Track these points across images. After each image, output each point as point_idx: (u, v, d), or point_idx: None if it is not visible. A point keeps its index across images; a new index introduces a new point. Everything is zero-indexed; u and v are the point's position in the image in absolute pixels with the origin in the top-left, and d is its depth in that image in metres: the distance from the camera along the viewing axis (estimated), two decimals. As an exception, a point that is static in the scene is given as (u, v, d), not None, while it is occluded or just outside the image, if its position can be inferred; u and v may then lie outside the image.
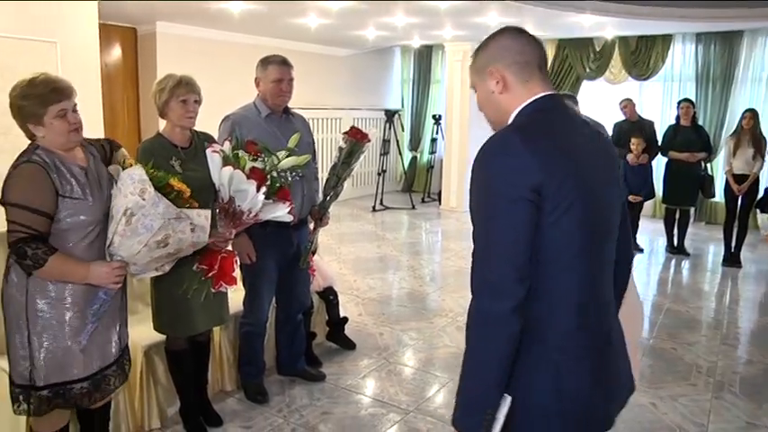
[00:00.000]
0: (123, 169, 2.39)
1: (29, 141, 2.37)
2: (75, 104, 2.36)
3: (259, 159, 2.90)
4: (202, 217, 2.42)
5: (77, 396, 2.41)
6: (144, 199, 2.25)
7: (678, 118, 7.21)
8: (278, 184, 2.94)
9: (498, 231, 1.45)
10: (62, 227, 2.29)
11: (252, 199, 2.80)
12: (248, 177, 2.77)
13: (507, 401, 1.48)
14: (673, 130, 7.22)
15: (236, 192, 2.81)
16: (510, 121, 1.58)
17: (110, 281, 2.34)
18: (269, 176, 2.88)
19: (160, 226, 2.29)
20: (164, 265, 2.53)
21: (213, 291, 2.96)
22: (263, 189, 2.82)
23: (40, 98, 2.25)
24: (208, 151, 2.89)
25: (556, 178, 1.43)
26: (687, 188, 7.15)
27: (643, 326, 2.14)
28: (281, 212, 2.97)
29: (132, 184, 2.27)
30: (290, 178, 3.03)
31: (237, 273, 3.08)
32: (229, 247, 3.04)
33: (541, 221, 1.44)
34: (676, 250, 7.33)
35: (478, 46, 1.70)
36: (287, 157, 2.99)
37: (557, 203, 1.43)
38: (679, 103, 7.30)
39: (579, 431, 1.55)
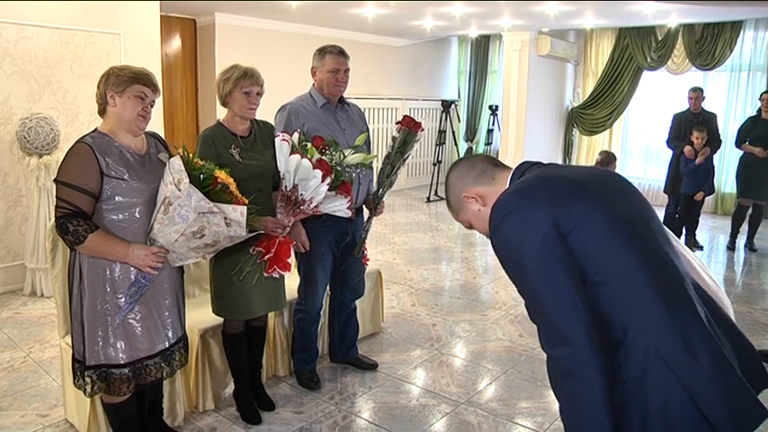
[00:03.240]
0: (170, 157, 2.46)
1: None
2: (154, 102, 2.52)
3: (326, 153, 2.95)
4: (238, 212, 2.42)
5: (117, 381, 2.49)
6: (180, 189, 2.29)
7: (760, 110, 6.92)
8: (342, 179, 2.98)
9: (540, 280, 1.48)
10: (104, 206, 2.40)
11: (315, 188, 2.85)
12: (314, 167, 2.82)
13: None
14: (751, 123, 6.94)
15: (301, 180, 2.86)
16: None
17: (146, 263, 2.41)
18: (334, 169, 2.92)
19: (195, 218, 2.32)
20: (204, 254, 2.57)
21: (265, 275, 3.01)
22: (328, 180, 2.86)
23: (134, 75, 2.44)
24: (277, 139, 2.96)
25: (561, 205, 1.49)
26: (763, 181, 6.82)
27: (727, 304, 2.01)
28: (340, 206, 3.02)
29: (171, 174, 2.32)
30: (354, 174, 3.07)
31: (292, 260, 3.12)
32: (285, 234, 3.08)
33: (571, 246, 1.46)
34: (748, 247, 7.08)
35: (446, 198, 1.85)
36: (353, 153, 3.03)
37: (573, 223, 1.46)
38: (761, 94, 6.99)
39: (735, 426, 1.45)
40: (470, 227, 1.82)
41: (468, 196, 1.74)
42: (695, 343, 1.44)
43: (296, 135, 2.99)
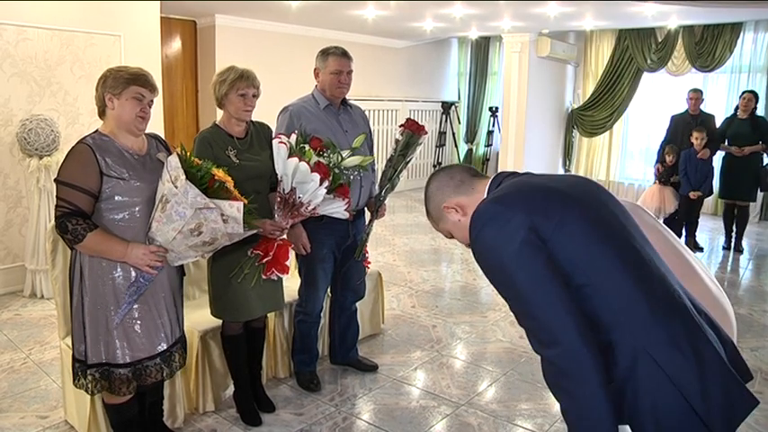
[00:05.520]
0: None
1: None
2: (152, 102, 2.53)
3: (323, 155, 2.94)
4: (234, 208, 2.42)
5: (118, 381, 2.50)
6: (176, 187, 2.30)
7: (737, 109, 6.96)
8: (340, 181, 2.97)
9: (523, 284, 1.49)
10: (104, 205, 2.41)
11: (313, 192, 2.85)
12: (312, 171, 2.81)
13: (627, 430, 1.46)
14: (727, 123, 7.02)
15: (299, 183, 2.85)
16: None
17: (145, 262, 2.42)
18: (332, 172, 2.91)
19: (192, 214, 2.32)
20: (203, 253, 2.57)
21: (264, 277, 3.01)
22: (326, 183, 2.85)
23: (130, 76, 2.45)
24: (274, 142, 2.95)
25: (539, 211, 1.51)
26: (743, 182, 6.85)
27: (733, 324, 2.03)
28: (338, 208, 3.01)
29: (168, 172, 2.34)
30: (351, 177, 3.07)
31: (290, 262, 3.12)
32: (284, 236, 3.08)
33: (552, 250, 1.48)
34: (733, 248, 7.09)
35: (426, 207, 1.89)
36: (351, 155, 3.03)
37: (552, 228, 1.49)
38: (742, 93, 7.04)
39: (725, 416, 1.45)
40: (450, 236, 1.86)
41: (449, 207, 1.77)
42: (681, 339, 1.45)
43: (293, 137, 2.99)
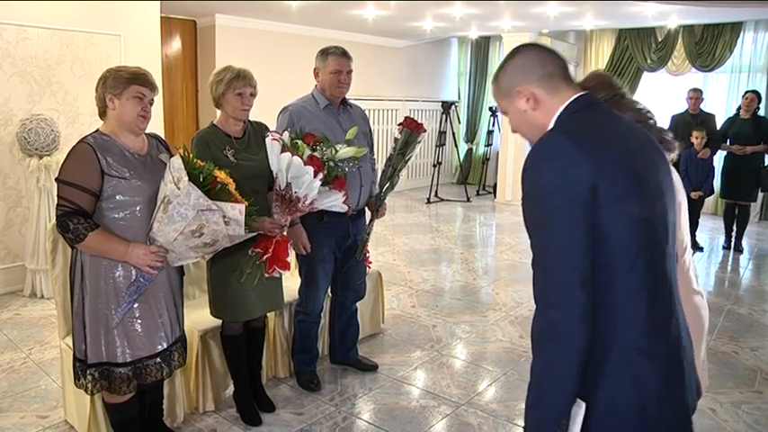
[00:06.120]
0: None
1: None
2: (153, 101, 2.54)
3: (317, 149, 2.94)
4: (236, 210, 2.43)
5: (118, 380, 2.51)
6: (179, 188, 2.31)
7: (739, 108, 6.97)
8: (335, 174, 2.97)
9: (557, 235, 1.41)
10: (105, 204, 2.42)
11: (308, 185, 2.84)
12: (305, 164, 2.81)
13: (582, 408, 1.44)
14: (729, 123, 7.02)
15: (294, 178, 2.85)
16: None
17: (145, 263, 2.42)
18: (326, 165, 2.91)
19: (194, 216, 2.33)
20: (203, 254, 2.57)
21: (266, 275, 3.01)
22: (320, 175, 2.85)
23: (131, 76, 2.46)
24: (267, 139, 2.94)
25: (608, 173, 1.40)
26: (744, 182, 6.86)
27: (705, 327, 2.07)
28: (336, 201, 3.00)
29: (171, 173, 2.34)
30: (347, 169, 3.06)
31: (291, 258, 3.11)
32: (283, 233, 3.08)
33: (597, 219, 1.39)
34: (733, 247, 7.09)
35: (497, 71, 1.67)
36: (346, 147, 3.02)
37: (611, 198, 1.39)
38: (745, 93, 7.04)
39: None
40: (504, 113, 1.68)
41: (523, 92, 1.58)
42: (660, 353, 1.46)
43: (286, 134, 2.98)
